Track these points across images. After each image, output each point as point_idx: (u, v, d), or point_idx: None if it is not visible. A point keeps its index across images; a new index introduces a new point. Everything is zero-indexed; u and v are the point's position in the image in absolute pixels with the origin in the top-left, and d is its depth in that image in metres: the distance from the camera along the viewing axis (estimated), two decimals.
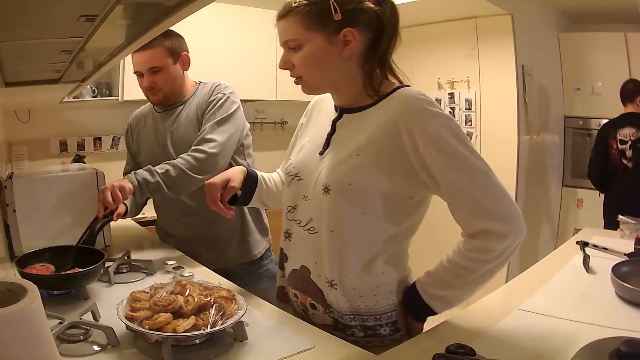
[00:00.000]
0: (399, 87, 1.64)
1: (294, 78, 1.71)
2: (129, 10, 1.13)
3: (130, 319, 1.54)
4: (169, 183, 2.36)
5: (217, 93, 2.59)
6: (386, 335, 1.67)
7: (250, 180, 2.01)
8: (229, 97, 2.59)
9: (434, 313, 1.65)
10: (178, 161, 2.40)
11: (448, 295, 1.62)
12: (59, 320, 1.63)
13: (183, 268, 2.29)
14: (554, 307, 1.80)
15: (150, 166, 2.39)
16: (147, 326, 1.48)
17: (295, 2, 1.60)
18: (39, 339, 0.96)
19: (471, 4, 4.76)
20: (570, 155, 5.85)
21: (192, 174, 2.38)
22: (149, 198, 2.54)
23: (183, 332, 1.47)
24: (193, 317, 1.53)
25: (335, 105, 1.78)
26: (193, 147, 2.45)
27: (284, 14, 1.64)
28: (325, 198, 1.63)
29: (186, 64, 2.67)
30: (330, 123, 1.76)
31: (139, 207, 2.73)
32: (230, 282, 2.18)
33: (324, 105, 1.87)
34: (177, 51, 2.58)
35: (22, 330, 0.92)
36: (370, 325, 1.66)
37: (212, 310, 1.54)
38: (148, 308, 1.56)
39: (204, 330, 1.50)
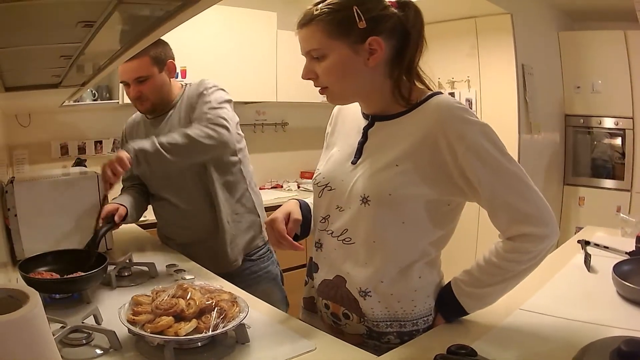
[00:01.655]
0: (432, 95, 1.61)
1: (318, 88, 1.67)
2: (127, 16, 1.13)
3: (132, 322, 1.54)
4: (174, 150, 2.32)
5: (206, 84, 2.59)
6: None
7: (305, 211, 1.91)
8: (219, 88, 2.60)
9: (464, 313, 1.67)
10: (186, 129, 2.39)
11: (481, 294, 1.63)
12: (61, 325, 1.63)
13: (185, 271, 2.30)
14: (555, 307, 1.80)
15: (153, 137, 2.37)
16: (149, 330, 1.49)
17: (317, 10, 1.56)
18: (40, 346, 0.97)
19: (471, 4, 4.75)
20: (571, 154, 5.82)
21: (202, 139, 2.34)
22: (145, 169, 2.47)
23: (185, 336, 1.48)
24: (195, 320, 1.53)
25: (363, 113, 1.75)
26: (201, 118, 2.45)
27: (306, 22, 1.60)
28: (363, 209, 1.61)
29: (172, 72, 2.66)
30: (360, 131, 1.73)
31: (139, 212, 2.75)
32: (231, 284, 2.18)
33: (349, 111, 1.83)
34: (162, 59, 2.57)
35: (23, 336, 0.92)
36: (407, 331, 1.65)
37: (214, 314, 1.54)
38: (150, 312, 1.56)
39: (206, 333, 1.50)
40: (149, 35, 1.20)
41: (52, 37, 1.33)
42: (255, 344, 1.60)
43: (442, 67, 5.08)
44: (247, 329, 1.62)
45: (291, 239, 1.75)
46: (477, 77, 5.09)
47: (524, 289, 1.70)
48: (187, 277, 2.17)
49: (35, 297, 0.97)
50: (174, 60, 2.65)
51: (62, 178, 2.57)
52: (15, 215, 2.40)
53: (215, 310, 1.56)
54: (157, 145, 2.30)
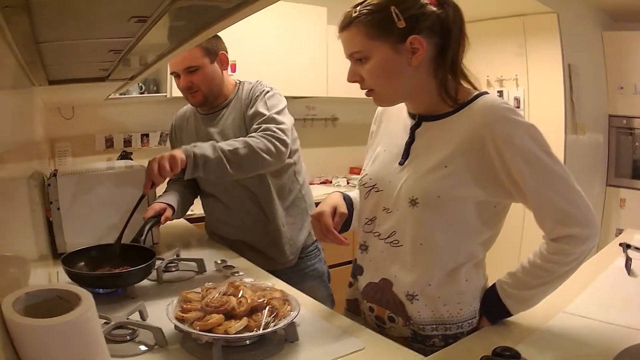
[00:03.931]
0: (479, 95, 1.59)
1: (365, 91, 1.65)
2: (182, 13, 1.09)
3: (180, 319, 1.51)
4: (235, 161, 2.21)
5: (262, 88, 2.53)
6: None
7: (348, 205, 1.91)
8: (277, 92, 2.54)
9: (509, 315, 1.65)
10: (248, 139, 2.28)
11: (525, 296, 1.61)
12: (105, 320, 1.61)
13: (234, 267, 2.27)
14: (596, 310, 1.77)
15: (214, 142, 2.26)
16: (198, 327, 1.46)
17: (355, 12, 1.55)
18: (93, 349, 0.93)
19: (517, 2, 4.71)
20: (614, 155, 5.72)
21: (263, 154, 2.26)
22: (199, 175, 2.25)
23: (235, 334, 1.45)
24: (245, 318, 1.50)
25: (409, 112, 1.73)
26: (262, 127, 2.36)
27: (346, 25, 1.59)
28: (411, 211, 1.59)
29: (224, 64, 2.61)
30: (407, 130, 1.71)
31: (186, 208, 2.71)
32: (281, 281, 2.15)
33: (394, 111, 1.80)
34: (214, 50, 2.52)
35: (75, 340, 0.89)
36: (452, 334, 1.63)
37: (265, 312, 1.52)
38: (199, 309, 1.53)
39: (257, 331, 1.47)
40: (204, 32, 1.17)
41: (102, 32, 1.31)
42: (303, 342, 1.58)
43: (491, 65, 5.05)
44: (297, 327, 1.59)
45: (337, 233, 1.74)
46: (525, 76, 5.02)
47: (566, 291, 1.70)
48: (236, 272, 2.14)
49: (88, 300, 0.93)
50: (226, 52, 2.60)
51: (107, 171, 2.53)
52: (58, 209, 2.38)
53: (267, 308, 1.53)
54: (220, 153, 2.19)
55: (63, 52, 1.61)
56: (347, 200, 1.91)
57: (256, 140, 2.28)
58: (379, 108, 1.89)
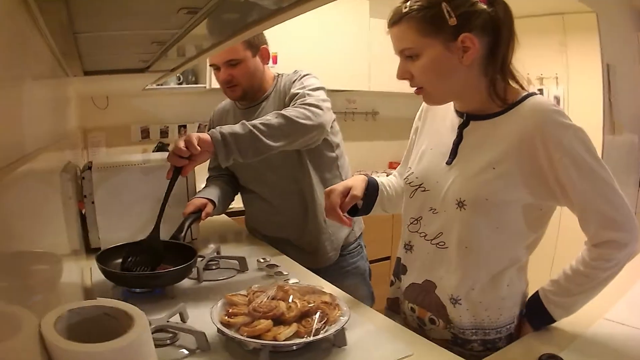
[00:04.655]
0: (528, 95, 1.56)
1: (414, 88, 1.63)
2: (235, 6, 1.04)
3: (226, 324, 1.45)
4: (269, 131, 2.09)
5: (299, 73, 2.48)
6: (502, 347, 1.62)
7: (372, 189, 1.94)
8: (312, 75, 2.47)
9: (552, 321, 1.63)
10: (280, 111, 2.18)
11: (568, 303, 1.60)
12: None
13: (277, 266, 2.20)
14: (635, 318, 1.76)
15: (243, 120, 2.12)
16: (245, 333, 1.40)
17: (405, 7, 1.52)
18: None
19: (557, 0, 4.70)
20: None
21: (300, 120, 2.15)
22: (235, 159, 2.08)
23: (284, 341, 1.39)
24: (295, 324, 1.44)
25: (457, 110, 1.70)
26: (298, 101, 2.27)
27: (396, 21, 1.55)
28: (458, 213, 1.58)
29: (265, 58, 2.53)
30: (454, 129, 1.68)
31: (227, 204, 2.66)
32: (325, 280, 2.11)
33: (439, 107, 1.78)
34: (256, 44, 2.45)
35: None
36: (490, 339, 1.63)
37: (316, 317, 1.46)
38: (246, 314, 1.48)
39: (307, 338, 1.41)
40: (255, 27, 1.10)
41: (146, 23, 1.27)
42: (351, 346, 1.52)
43: (531, 63, 4.98)
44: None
45: (340, 214, 1.79)
46: (565, 75, 5.02)
47: (605, 297, 1.67)
48: (282, 273, 2.09)
49: (141, 320, 0.84)
50: (268, 46, 2.53)
51: (144, 164, 2.46)
52: (92, 203, 2.32)
53: (318, 314, 1.48)
54: (250, 127, 2.06)
55: (101, 43, 1.57)
56: (372, 185, 1.93)
57: (289, 110, 2.19)
58: (424, 104, 1.85)
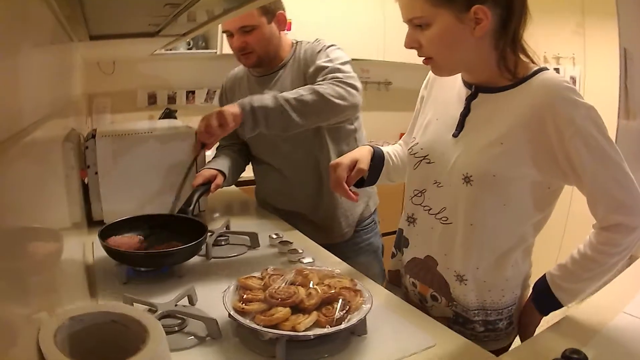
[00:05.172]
0: (538, 71, 1.53)
1: (422, 58, 1.58)
2: None
3: (240, 312, 1.35)
4: (302, 108, 2.05)
5: (323, 44, 2.37)
6: (502, 329, 1.65)
7: (377, 160, 1.90)
8: (338, 47, 2.37)
9: (560, 306, 1.61)
10: (314, 86, 2.12)
11: (575, 288, 1.58)
12: (151, 308, 1.46)
13: (290, 242, 2.10)
14: None
15: (275, 92, 2.09)
16: (261, 323, 1.30)
17: None
18: None
19: None
20: None
21: (334, 99, 2.09)
22: (261, 131, 2.08)
23: (304, 331, 1.29)
24: (315, 313, 1.35)
25: (465, 81, 1.66)
26: (327, 77, 2.18)
27: None
28: (464, 188, 1.55)
29: (282, 24, 2.42)
30: (462, 101, 1.65)
31: (237, 175, 2.57)
32: (338, 258, 2.05)
33: (447, 77, 1.73)
34: (271, 10, 2.33)
35: None
36: (492, 320, 1.63)
37: (338, 306, 1.37)
38: (262, 300, 1.38)
39: (328, 328, 1.31)
40: None
41: None
42: (371, 335, 1.44)
43: (548, 41, 5.02)
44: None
45: (347, 189, 1.77)
46: (582, 56, 5.01)
47: (624, 291, 1.68)
48: (297, 251, 1.99)
49: (156, 331, 0.72)
50: (284, 12, 2.42)
51: (151, 133, 2.34)
52: (96, 173, 2.21)
53: (340, 302, 1.38)
54: (282, 102, 2.02)
55: (109, 5, 1.50)
56: (378, 155, 1.91)
57: (324, 86, 2.11)
58: (430, 73, 1.82)
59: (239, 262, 1.94)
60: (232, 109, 1.96)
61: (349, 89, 2.13)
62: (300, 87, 2.10)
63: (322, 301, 1.38)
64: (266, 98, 2.01)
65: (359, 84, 2.20)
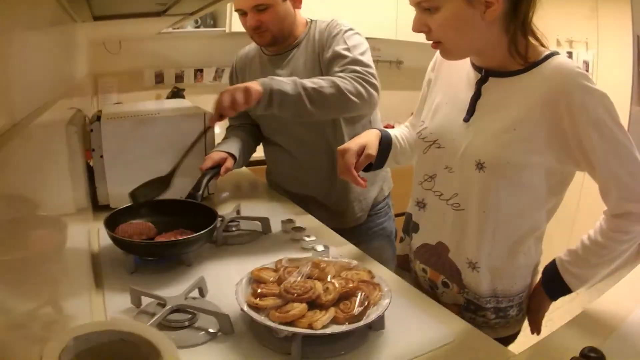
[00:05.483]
0: (549, 55, 1.50)
1: (431, 42, 1.56)
2: None
3: (254, 307, 1.29)
4: (318, 99, 2.01)
5: (340, 27, 2.29)
6: (513, 316, 1.66)
7: (385, 144, 1.86)
8: (356, 32, 2.30)
9: (569, 292, 1.63)
10: (336, 79, 2.06)
11: (584, 273, 1.60)
12: (159, 302, 1.41)
13: (302, 228, 2.05)
14: None
15: (295, 77, 2.04)
16: (277, 320, 1.25)
17: None
18: None
19: None
20: None
21: (352, 97, 2.05)
22: (275, 113, 2.03)
23: (322, 330, 1.23)
24: (333, 309, 1.29)
25: (474, 65, 1.64)
26: (347, 69, 2.13)
27: None
28: (477, 175, 1.53)
29: (297, 2, 2.35)
30: (472, 84, 1.62)
31: (248, 156, 2.49)
32: (351, 245, 2.01)
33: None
34: None
35: None
36: (503, 307, 1.64)
37: (357, 301, 1.30)
38: (277, 295, 1.32)
39: (347, 325, 1.25)
40: None
41: None
42: (389, 329, 1.39)
43: (561, 25, 5.01)
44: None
45: (356, 175, 1.74)
46: (595, 40, 4.97)
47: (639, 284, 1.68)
48: (309, 237, 1.93)
49: (169, 349, 0.65)
50: None
51: (158, 114, 2.27)
52: (101, 157, 2.14)
53: (359, 297, 1.32)
54: (301, 89, 1.98)
55: None
56: (385, 139, 1.87)
57: (345, 81, 2.06)
58: (437, 55, 1.80)
59: (250, 249, 1.88)
60: (256, 86, 1.92)
61: (369, 88, 2.09)
62: (321, 77, 2.06)
63: (340, 296, 1.32)
64: (286, 83, 1.97)
65: (378, 83, 2.15)
